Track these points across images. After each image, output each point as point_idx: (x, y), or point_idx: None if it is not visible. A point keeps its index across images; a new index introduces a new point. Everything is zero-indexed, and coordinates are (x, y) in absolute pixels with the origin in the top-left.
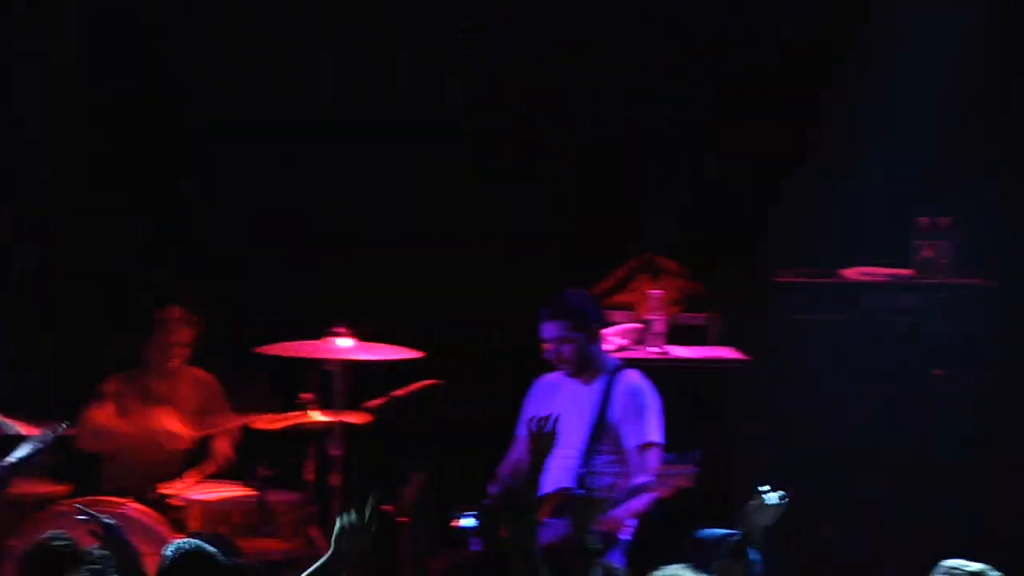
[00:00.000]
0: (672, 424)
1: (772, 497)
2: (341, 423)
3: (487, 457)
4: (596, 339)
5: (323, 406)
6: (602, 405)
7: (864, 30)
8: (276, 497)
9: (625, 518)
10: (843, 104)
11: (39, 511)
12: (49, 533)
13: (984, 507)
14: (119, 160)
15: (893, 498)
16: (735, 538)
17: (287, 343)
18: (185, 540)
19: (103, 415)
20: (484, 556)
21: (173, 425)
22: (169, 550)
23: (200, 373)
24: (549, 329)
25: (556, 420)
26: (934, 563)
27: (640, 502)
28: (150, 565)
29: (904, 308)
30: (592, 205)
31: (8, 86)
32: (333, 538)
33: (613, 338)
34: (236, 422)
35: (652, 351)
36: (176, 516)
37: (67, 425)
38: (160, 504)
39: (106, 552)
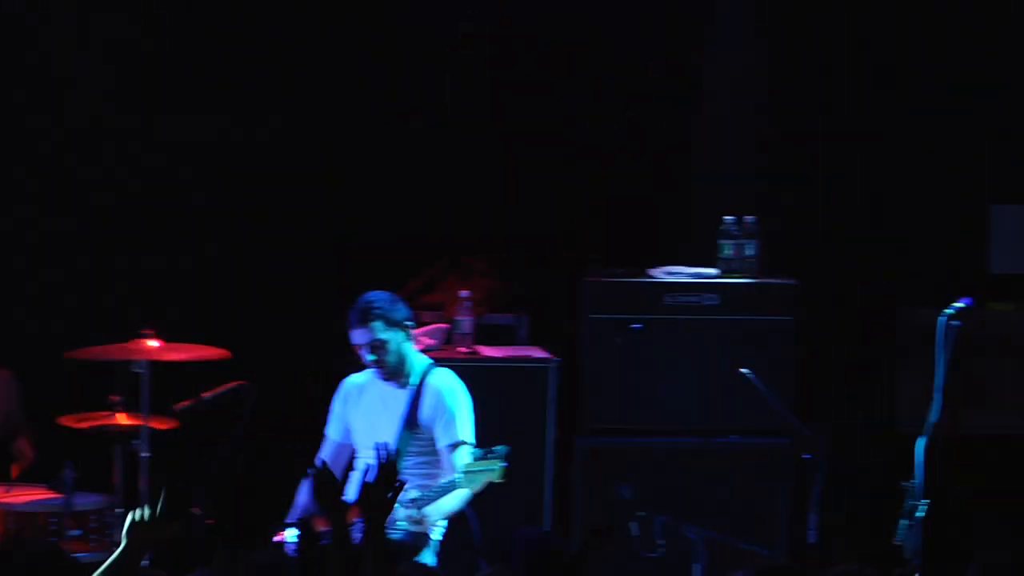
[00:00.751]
0: (482, 423)
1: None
2: (148, 425)
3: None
4: (407, 340)
5: (130, 408)
6: (412, 405)
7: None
8: (82, 500)
9: (437, 518)
10: (655, 106)
11: None
12: None
13: (794, 500)
14: None
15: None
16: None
17: (95, 346)
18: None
19: None
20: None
21: None
22: None
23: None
24: (358, 335)
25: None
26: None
27: (452, 502)
28: None
29: (709, 306)
30: (400, 204)
31: None
32: (124, 532)
33: (422, 338)
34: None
35: (461, 351)
36: None
37: None
38: None
39: None
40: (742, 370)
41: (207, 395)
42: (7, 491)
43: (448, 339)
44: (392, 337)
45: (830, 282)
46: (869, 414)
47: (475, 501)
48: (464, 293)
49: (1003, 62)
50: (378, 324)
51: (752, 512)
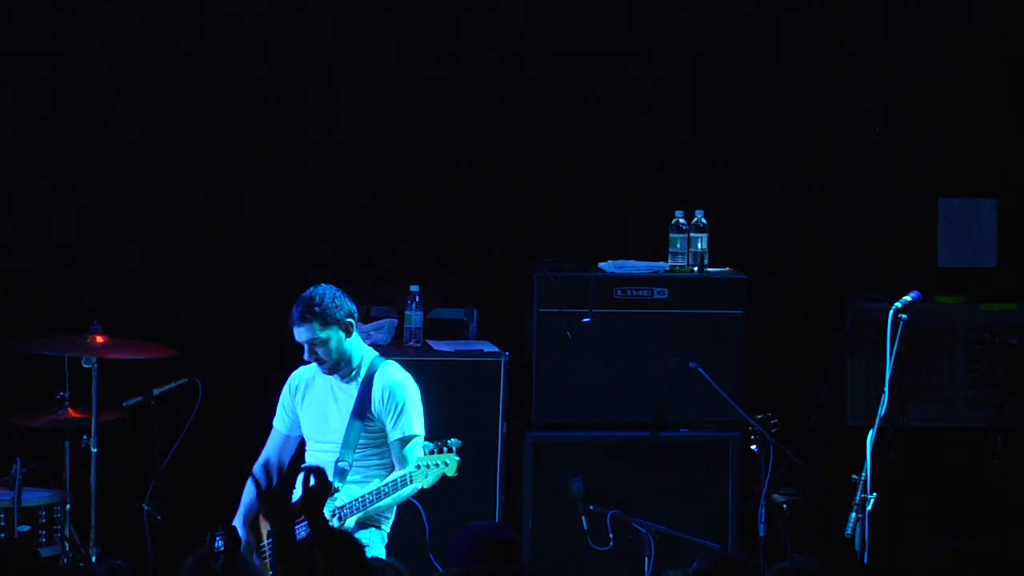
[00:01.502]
0: (433, 418)
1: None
2: (97, 420)
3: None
4: (349, 335)
5: (79, 403)
6: (361, 399)
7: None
8: (31, 496)
9: (387, 510)
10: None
11: None
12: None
13: (743, 494)
14: None
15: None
16: None
17: (42, 339)
18: None
19: None
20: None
21: None
22: None
23: None
24: (300, 332)
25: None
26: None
27: (402, 494)
28: None
29: (659, 300)
30: (350, 198)
31: None
32: None
33: (373, 334)
34: None
35: (411, 345)
36: None
37: None
38: None
39: None
40: (691, 364)
41: (156, 390)
42: None
43: (398, 334)
44: (330, 335)
45: (779, 276)
46: (819, 407)
47: (424, 495)
48: (413, 288)
49: (949, 55)
50: (315, 323)
51: (702, 505)
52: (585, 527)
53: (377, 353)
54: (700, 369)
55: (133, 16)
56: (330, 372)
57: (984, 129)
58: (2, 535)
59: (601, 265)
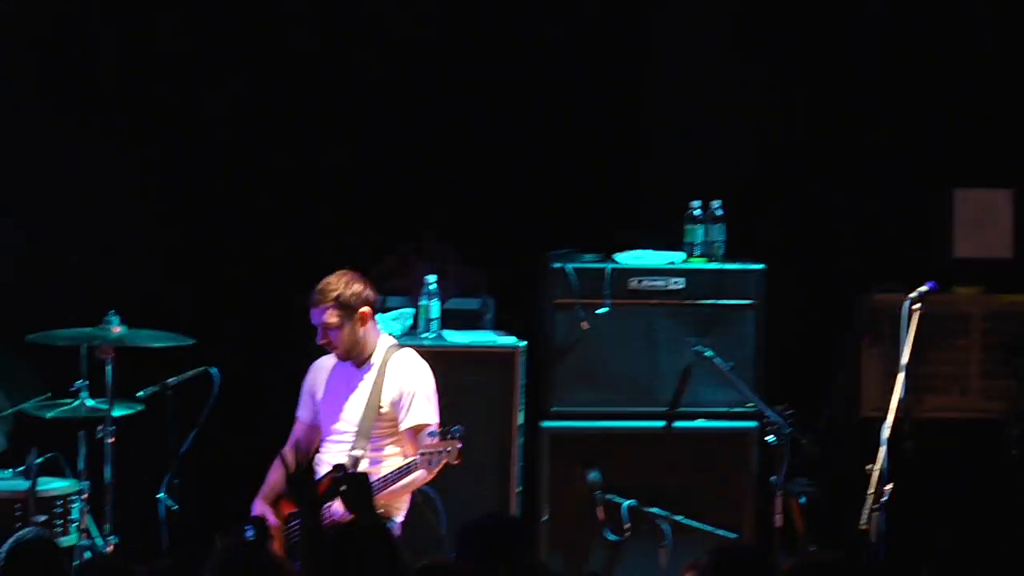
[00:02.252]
0: (449, 409)
1: None
2: (112, 410)
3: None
4: (364, 322)
5: (95, 393)
6: (375, 387)
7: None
8: (47, 485)
9: (399, 498)
10: (624, 90)
11: None
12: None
13: (760, 484)
14: None
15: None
16: None
17: (59, 329)
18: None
19: None
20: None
21: None
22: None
23: None
24: (315, 314)
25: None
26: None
27: (413, 482)
28: None
29: (675, 290)
30: (367, 187)
31: None
32: None
33: (389, 323)
34: None
35: (427, 336)
36: None
37: None
38: None
39: None
40: (707, 354)
41: (171, 380)
42: None
43: (414, 324)
44: (344, 320)
45: (795, 266)
46: (834, 398)
47: (443, 485)
48: (430, 277)
49: (967, 45)
50: (330, 307)
51: (718, 495)
52: (601, 517)
53: (393, 342)
54: (716, 359)
55: None
56: (343, 358)
57: (1000, 119)
58: (18, 525)
59: (617, 256)
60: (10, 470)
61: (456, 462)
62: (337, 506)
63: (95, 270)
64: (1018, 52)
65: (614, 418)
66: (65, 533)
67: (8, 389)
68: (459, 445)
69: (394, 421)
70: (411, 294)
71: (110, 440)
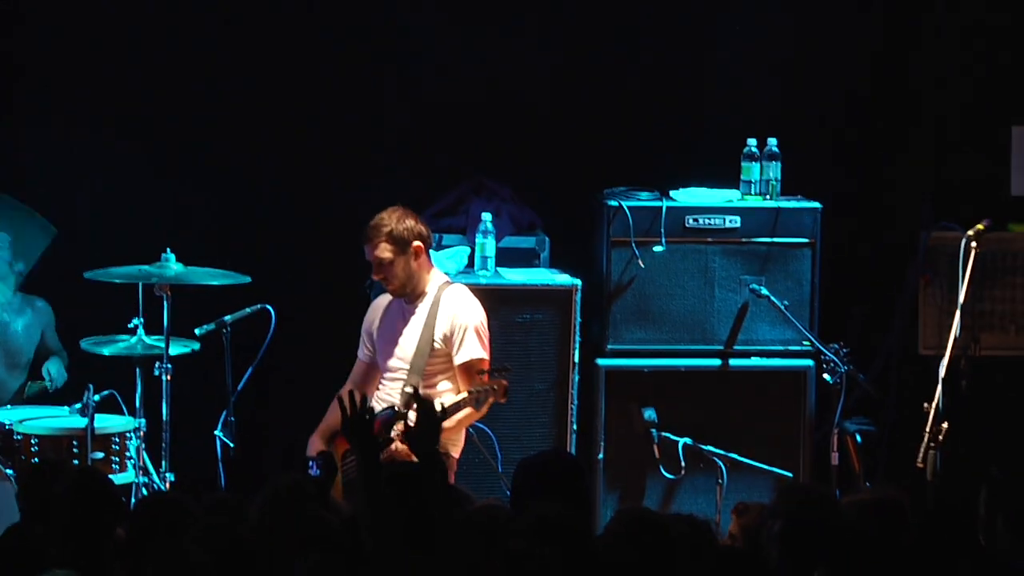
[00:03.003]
0: (505, 347)
1: None
2: (169, 348)
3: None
4: (417, 257)
5: (152, 331)
6: (427, 323)
7: None
8: (104, 423)
9: (454, 433)
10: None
11: None
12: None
13: (816, 423)
14: None
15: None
16: None
17: (116, 267)
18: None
19: None
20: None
21: None
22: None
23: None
24: (369, 250)
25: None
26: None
27: (463, 420)
28: None
29: (731, 229)
30: (424, 125)
31: None
32: None
33: (445, 262)
34: None
35: (482, 274)
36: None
37: None
38: None
39: None
40: (763, 292)
41: (228, 318)
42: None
43: (469, 262)
44: (397, 254)
45: (852, 205)
46: (891, 336)
47: (498, 422)
48: (485, 215)
49: None
50: (383, 241)
51: (774, 434)
52: (656, 456)
53: (446, 278)
54: (772, 298)
55: None
56: (398, 293)
57: None
58: (75, 462)
59: (673, 193)
60: (67, 407)
61: (503, 400)
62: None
63: (152, 208)
64: None
65: (669, 356)
66: (122, 470)
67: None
68: (505, 384)
69: (447, 357)
70: (467, 232)
71: (167, 377)
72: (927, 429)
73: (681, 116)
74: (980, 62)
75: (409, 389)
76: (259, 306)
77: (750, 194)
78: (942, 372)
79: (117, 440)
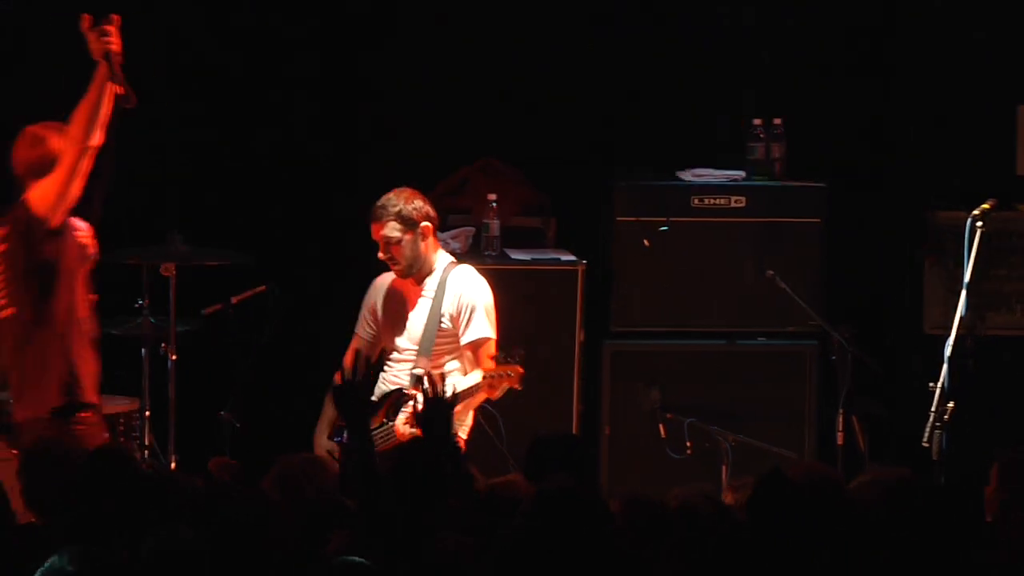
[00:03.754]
0: (510, 327)
1: None
2: (175, 328)
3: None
4: (425, 237)
5: (157, 311)
6: (435, 304)
7: None
8: (110, 403)
9: (462, 414)
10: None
11: None
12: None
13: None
14: None
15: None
16: None
17: (121, 247)
18: None
19: None
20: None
21: None
22: None
23: None
24: (376, 229)
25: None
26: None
27: (475, 399)
28: None
29: (736, 208)
30: (429, 106)
31: None
32: None
33: (450, 242)
34: None
35: (488, 254)
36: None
37: None
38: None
39: None
40: (769, 272)
41: (234, 298)
42: None
43: (475, 242)
44: (404, 234)
45: (858, 184)
46: (897, 315)
47: (505, 403)
48: (491, 196)
49: None
50: (391, 222)
51: (779, 414)
52: (662, 435)
53: (452, 259)
54: (778, 277)
55: None
56: (404, 274)
57: None
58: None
59: (679, 173)
60: None
61: (518, 387)
62: (401, 425)
63: (158, 187)
64: None
65: (675, 336)
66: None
67: None
68: (521, 371)
69: (454, 336)
70: (473, 213)
71: (172, 357)
72: (933, 408)
73: (687, 96)
74: (987, 40)
75: (418, 371)
76: (265, 286)
77: (756, 173)
78: (948, 351)
79: (122, 420)
